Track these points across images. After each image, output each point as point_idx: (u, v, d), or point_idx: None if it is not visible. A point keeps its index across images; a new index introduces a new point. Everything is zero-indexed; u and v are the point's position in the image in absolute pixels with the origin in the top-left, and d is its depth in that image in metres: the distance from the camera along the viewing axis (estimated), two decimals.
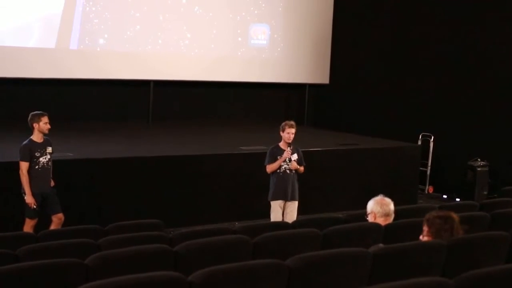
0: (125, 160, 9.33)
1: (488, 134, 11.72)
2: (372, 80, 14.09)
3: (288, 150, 7.93)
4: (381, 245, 4.39)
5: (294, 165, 7.96)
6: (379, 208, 5.21)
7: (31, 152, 7.41)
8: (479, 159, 11.63)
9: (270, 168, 7.98)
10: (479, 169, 11.50)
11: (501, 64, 11.67)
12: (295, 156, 7.98)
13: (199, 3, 13.70)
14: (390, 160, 11.48)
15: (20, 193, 7.44)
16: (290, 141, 7.97)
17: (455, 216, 4.39)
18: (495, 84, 11.76)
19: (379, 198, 5.30)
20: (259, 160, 8.51)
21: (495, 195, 10.26)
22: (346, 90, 14.74)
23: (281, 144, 8.02)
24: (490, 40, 11.88)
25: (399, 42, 13.50)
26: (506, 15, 11.68)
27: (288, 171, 7.98)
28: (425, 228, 4.38)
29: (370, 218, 5.26)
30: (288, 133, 7.93)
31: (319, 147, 10.98)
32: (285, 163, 7.95)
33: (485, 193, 11.41)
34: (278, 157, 7.94)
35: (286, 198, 7.99)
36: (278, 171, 7.96)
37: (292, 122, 8.04)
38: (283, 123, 8.06)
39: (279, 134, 8.04)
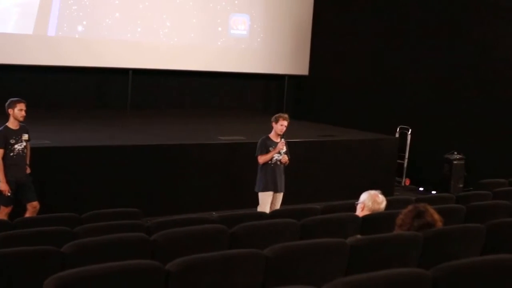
0: (103, 148, 9.27)
1: (464, 128, 11.83)
2: (351, 72, 14.13)
3: (282, 142, 7.95)
4: (358, 236, 4.41)
5: (285, 158, 7.99)
6: (369, 204, 5.21)
7: (6, 139, 7.34)
8: (455, 152, 11.74)
9: (263, 159, 7.94)
10: (455, 162, 11.61)
11: (479, 59, 11.75)
12: (284, 148, 8.01)
13: None
14: (368, 152, 11.52)
15: None
16: (282, 133, 7.99)
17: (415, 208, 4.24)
18: (473, 79, 11.85)
19: (375, 193, 5.27)
20: (238, 149, 8.50)
21: (471, 188, 10.34)
22: (325, 82, 14.76)
23: (272, 136, 8.02)
24: (468, 36, 11.95)
25: (379, 34, 13.53)
26: (483, 14, 11.76)
27: (278, 163, 7.99)
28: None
29: (358, 208, 5.27)
30: (282, 125, 7.93)
31: (297, 138, 10.94)
32: (277, 154, 7.96)
33: (461, 186, 11.54)
34: (271, 148, 7.94)
35: (276, 189, 8.02)
36: (270, 162, 7.96)
37: (286, 115, 8.07)
38: (277, 115, 8.07)
39: (271, 124, 8.04)
